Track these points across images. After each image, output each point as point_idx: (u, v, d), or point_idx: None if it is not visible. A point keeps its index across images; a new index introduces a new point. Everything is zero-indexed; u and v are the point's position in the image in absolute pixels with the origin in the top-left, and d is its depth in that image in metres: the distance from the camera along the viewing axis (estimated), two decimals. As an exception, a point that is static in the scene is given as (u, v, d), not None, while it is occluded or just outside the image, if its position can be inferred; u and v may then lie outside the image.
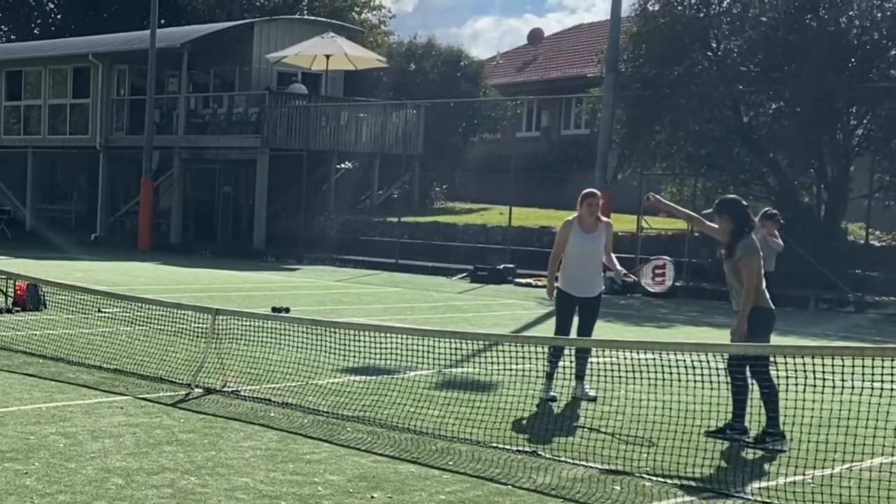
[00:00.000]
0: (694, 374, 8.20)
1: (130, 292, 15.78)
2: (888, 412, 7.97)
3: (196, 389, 9.86)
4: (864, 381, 7.73)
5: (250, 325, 12.22)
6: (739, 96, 25.75)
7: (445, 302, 20.36)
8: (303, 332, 10.89)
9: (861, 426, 7.73)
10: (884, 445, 7.78)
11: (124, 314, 14.83)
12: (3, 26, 54.65)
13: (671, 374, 8.29)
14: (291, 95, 34.01)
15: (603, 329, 13.33)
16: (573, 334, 10.20)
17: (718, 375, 8.52)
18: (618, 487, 7.07)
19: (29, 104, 38.76)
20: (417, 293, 21.94)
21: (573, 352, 10.34)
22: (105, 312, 14.59)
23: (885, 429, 7.84)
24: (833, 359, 7.61)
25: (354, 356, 10.63)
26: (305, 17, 43.57)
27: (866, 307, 21.21)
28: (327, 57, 33.07)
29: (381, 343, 10.09)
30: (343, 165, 34.67)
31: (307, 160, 31.56)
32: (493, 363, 11.06)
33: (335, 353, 10.44)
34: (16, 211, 38.55)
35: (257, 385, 10.08)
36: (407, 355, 9.89)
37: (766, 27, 24.92)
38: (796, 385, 7.90)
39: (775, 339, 9.42)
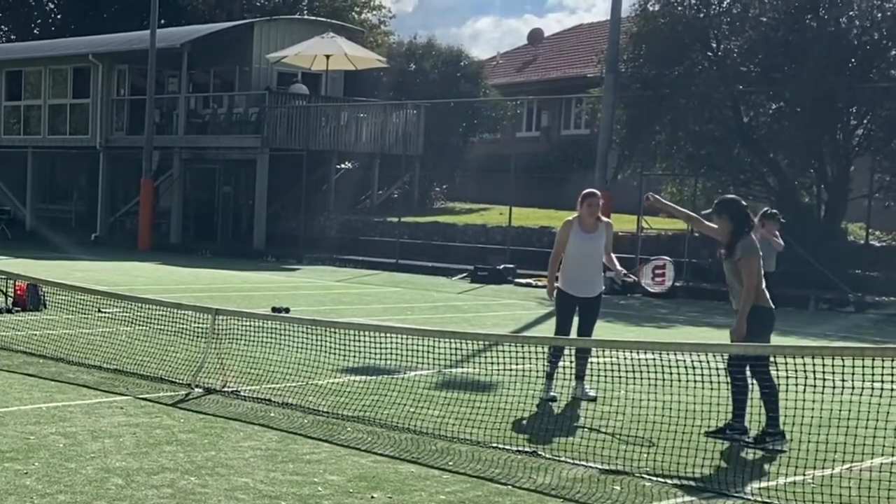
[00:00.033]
0: (694, 375, 8.20)
1: (130, 292, 15.77)
2: (888, 412, 7.97)
3: (196, 389, 9.86)
4: (864, 381, 7.73)
5: (250, 326, 12.22)
6: (739, 96, 25.75)
7: (445, 302, 20.36)
8: (303, 332, 10.89)
9: (861, 426, 7.73)
10: (884, 446, 7.78)
11: (124, 314, 14.83)
12: (3, 26, 54.67)
13: (671, 374, 8.29)
14: (291, 95, 34.02)
15: (603, 329, 13.33)
16: (573, 334, 10.20)
17: (718, 376, 8.52)
18: (618, 487, 7.07)
19: (29, 104, 38.76)
20: (417, 293, 21.94)
21: (573, 352, 10.34)
22: (105, 312, 14.59)
23: (886, 429, 7.84)
24: (833, 359, 7.61)
25: (354, 356, 10.63)
26: (305, 17, 43.58)
27: (866, 307, 21.21)
28: (327, 57, 33.07)
29: (381, 343, 10.09)
30: (343, 165, 34.67)
31: (307, 160, 31.56)
32: (493, 363, 11.06)
33: (335, 354, 10.44)
34: (16, 211, 38.55)
35: (257, 385, 10.08)
36: (407, 355, 9.88)
37: (767, 27, 24.92)
38: (796, 385, 7.90)
39: (775, 340, 9.43)
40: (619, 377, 9.70)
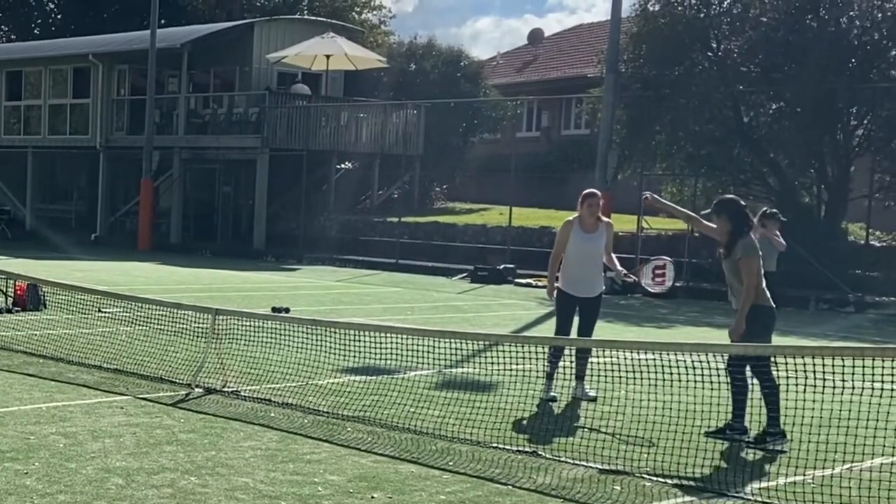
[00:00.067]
0: (694, 375, 8.20)
1: (130, 292, 15.77)
2: (888, 412, 7.97)
3: (196, 389, 9.86)
4: (864, 381, 7.73)
5: (250, 326, 12.22)
6: (740, 96, 25.75)
7: (445, 302, 20.36)
8: (303, 332, 10.89)
9: (861, 426, 7.73)
10: (884, 446, 7.79)
11: (124, 314, 14.83)
12: (3, 26, 54.68)
13: (671, 374, 8.29)
14: (292, 95, 34.02)
15: (603, 329, 13.33)
16: (573, 334, 10.20)
17: (718, 376, 8.52)
18: (618, 487, 7.07)
19: (29, 104, 38.76)
20: (417, 293, 21.94)
21: (573, 352, 10.34)
22: (105, 312, 14.59)
23: (886, 429, 7.84)
24: (833, 359, 7.61)
25: (354, 356, 10.63)
26: (305, 17, 43.58)
27: (866, 307, 21.21)
28: (327, 57, 33.07)
29: (381, 343, 10.09)
30: (343, 165, 34.67)
31: (307, 160, 31.56)
32: (493, 363, 11.06)
33: (335, 354, 10.44)
34: (16, 211, 38.55)
35: (257, 385, 10.08)
36: (407, 355, 9.88)
37: (767, 27, 24.92)
38: (796, 385, 7.90)
39: (776, 340, 9.43)
40: (620, 377, 9.70)
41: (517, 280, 25.13)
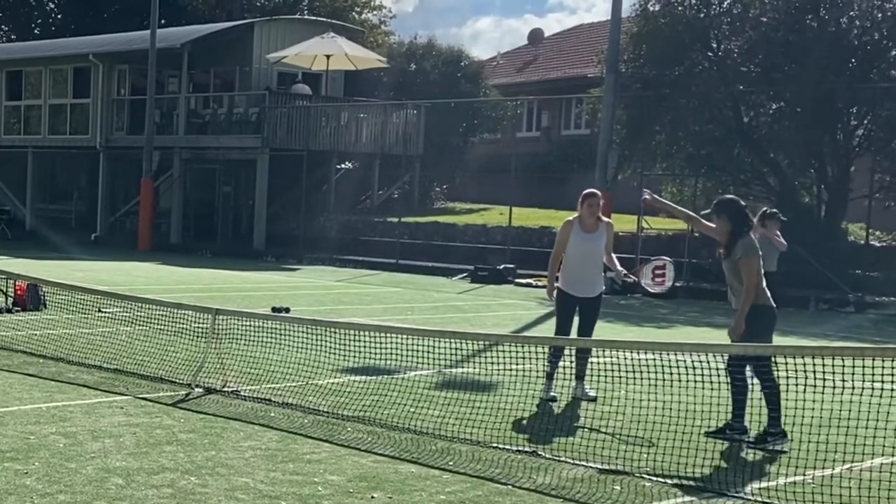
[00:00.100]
0: (694, 375, 8.20)
1: (130, 292, 15.77)
2: (888, 412, 7.97)
3: (196, 389, 9.86)
4: (864, 381, 7.73)
5: (250, 325, 12.22)
6: (740, 96, 25.76)
7: (445, 302, 20.36)
8: (303, 332, 10.89)
9: (861, 426, 7.73)
10: (884, 446, 7.79)
11: (124, 314, 14.83)
12: (3, 26, 54.68)
13: (671, 374, 8.29)
14: (292, 95, 34.02)
15: (603, 329, 13.33)
16: (573, 334, 10.20)
17: (718, 376, 8.52)
18: (618, 487, 7.07)
19: (29, 104, 38.76)
20: (417, 293, 21.94)
21: (573, 352, 10.34)
22: (105, 312, 14.59)
23: (886, 429, 7.84)
24: (833, 359, 7.61)
25: (355, 356, 10.63)
26: (306, 17, 43.57)
27: (866, 307, 21.21)
28: (327, 57, 33.07)
29: (381, 343, 10.09)
30: (343, 166, 34.67)
31: (307, 160, 31.56)
32: (493, 363, 11.06)
33: (335, 354, 10.44)
34: (16, 211, 38.55)
35: (257, 385, 10.08)
36: (407, 355, 9.88)
37: (767, 27, 24.93)
38: (797, 385, 7.90)
39: (776, 340, 9.42)
40: (620, 377, 9.70)
41: (517, 280, 25.13)
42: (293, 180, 32.08)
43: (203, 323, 11.91)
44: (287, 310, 15.87)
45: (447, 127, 34.93)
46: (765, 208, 14.49)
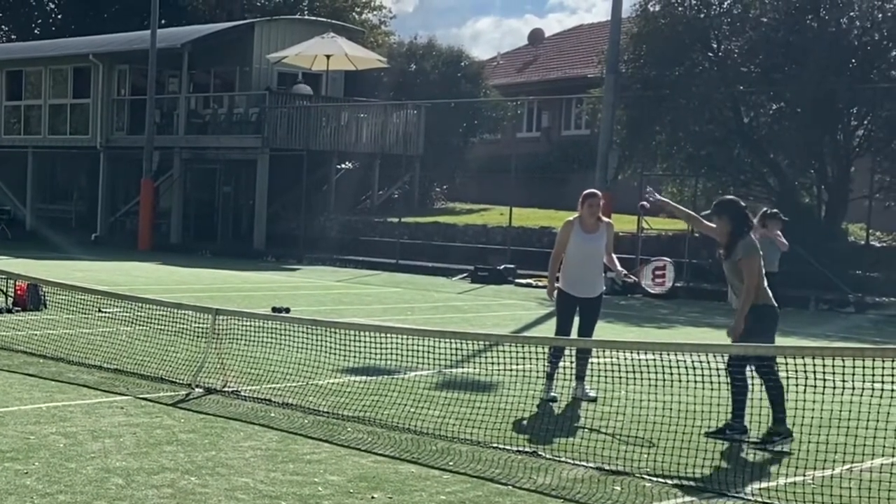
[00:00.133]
0: (694, 375, 8.20)
1: (131, 292, 15.77)
2: (888, 413, 7.98)
3: (196, 389, 9.86)
4: (864, 381, 7.73)
5: (251, 326, 12.22)
6: (740, 97, 25.75)
7: (446, 302, 20.36)
8: (303, 332, 10.88)
9: (861, 427, 7.73)
10: (884, 446, 7.80)
11: (125, 314, 14.83)
12: (3, 26, 54.68)
13: (671, 374, 8.29)
14: (293, 96, 34.02)
15: (603, 330, 13.33)
16: (574, 335, 10.20)
17: (718, 376, 8.52)
18: (618, 488, 7.07)
19: (29, 104, 38.76)
20: (418, 293, 21.94)
21: (573, 352, 10.34)
22: (105, 312, 14.59)
23: (886, 430, 7.85)
24: (833, 359, 7.61)
25: (355, 356, 10.63)
26: (306, 17, 43.57)
27: (866, 308, 21.21)
28: (328, 57, 33.06)
29: (381, 343, 10.09)
30: (343, 166, 34.67)
31: (307, 160, 31.56)
32: (493, 363, 11.06)
33: (335, 354, 10.44)
34: (16, 211, 38.55)
35: (257, 385, 10.08)
36: (407, 356, 9.88)
37: (767, 28, 24.93)
38: (797, 386, 7.90)
39: (777, 340, 9.41)
40: (620, 378, 9.70)
41: (517, 280, 25.13)
42: (293, 180, 32.09)
43: (203, 323, 11.91)
44: (287, 310, 15.87)
45: (447, 127, 34.93)
46: (765, 209, 14.50)
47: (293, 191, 32.61)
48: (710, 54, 26.27)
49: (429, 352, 9.76)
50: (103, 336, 12.73)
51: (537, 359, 10.61)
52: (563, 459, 7.77)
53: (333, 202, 33.23)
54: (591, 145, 29.23)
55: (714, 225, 8.99)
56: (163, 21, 39.17)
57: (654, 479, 7.30)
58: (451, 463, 7.55)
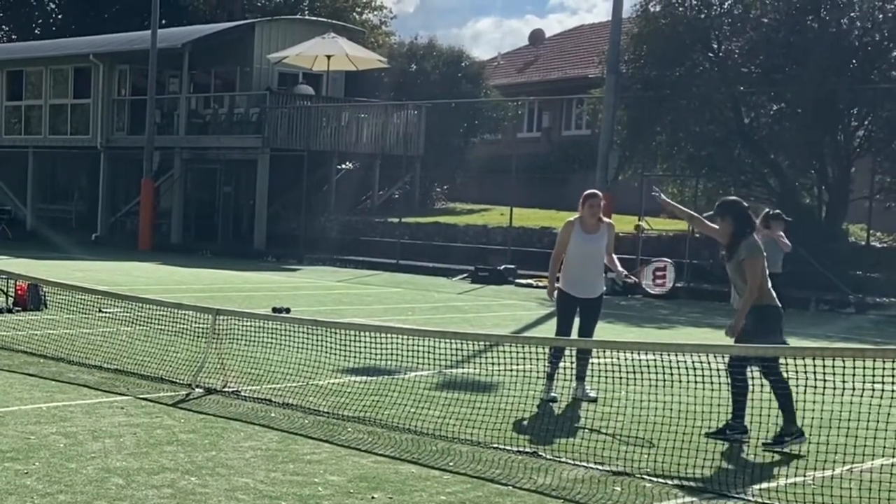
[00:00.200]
0: (695, 376, 8.20)
1: (131, 292, 15.77)
2: (889, 414, 7.97)
3: (197, 390, 9.85)
4: (864, 382, 7.73)
5: (251, 326, 12.21)
6: (740, 97, 25.75)
7: (446, 302, 20.36)
8: (303, 332, 10.88)
9: (862, 428, 7.72)
10: (885, 447, 7.79)
11: (125, 314, 14.83)
12: (3, 26, 54.69)
13: (672, 375, 8.29)
14: (293, 96, 34.02)
15: (604, 330, 13.33)
16: (574, 335, 10.19)
17: (719, 376, 8.52)
18: (618, 488, 7.07)
19: (30, 104, 38.77)
20: (418, 294, 21.94)
21: (574, 353, 10.34)
22: (106, 312, 14.60)
23: (886, 430, 7.84)
24: (834, 360, 7.61)
25: (355, 357, 10.63)
26: (306, 17, 43.57)
27: (867, 308, 21.21)
28: (328, 57, 33.06)
29: (381, 343, 10.09)
30: (344, 166, 34.68)
31: (308, 161, 31.57)
32: (493, 364, 11.06)
33: (336, 354, 10.44)
34: (16, 211, 38.56)
35: (258, 385, 10.08)
36: (407, 356, 9.88)
37: (768, 28, 24.93)
38: (797, 386, 7.91)
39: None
40: (620, 378, 9.70)
41: (518, 280, 25.13)
42: (294, 180, 32.09)
43: (203, 323, 11.91)
44: (287, 310, 15.87)
45: (448, 127, 34.94)
46: (768, 209, 14.49)
47: (294, 191, 32.62)
48: (711, 55, 26.27)
49: (429, 352, 9.76)
50: (104, 336, 12.73)
51: (537, 359, 10.61)
52: (563, 460, 7.76)
53: (334, 202, 33.24)
54: (592, 146, 29.23)
55: (717, 226, 8.98)
56: (163, 21, 39.16)
57: (655, 479, 7.29)
58: (451, 463, 7.54)
